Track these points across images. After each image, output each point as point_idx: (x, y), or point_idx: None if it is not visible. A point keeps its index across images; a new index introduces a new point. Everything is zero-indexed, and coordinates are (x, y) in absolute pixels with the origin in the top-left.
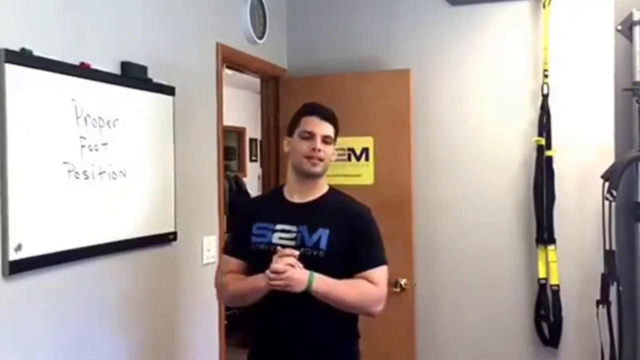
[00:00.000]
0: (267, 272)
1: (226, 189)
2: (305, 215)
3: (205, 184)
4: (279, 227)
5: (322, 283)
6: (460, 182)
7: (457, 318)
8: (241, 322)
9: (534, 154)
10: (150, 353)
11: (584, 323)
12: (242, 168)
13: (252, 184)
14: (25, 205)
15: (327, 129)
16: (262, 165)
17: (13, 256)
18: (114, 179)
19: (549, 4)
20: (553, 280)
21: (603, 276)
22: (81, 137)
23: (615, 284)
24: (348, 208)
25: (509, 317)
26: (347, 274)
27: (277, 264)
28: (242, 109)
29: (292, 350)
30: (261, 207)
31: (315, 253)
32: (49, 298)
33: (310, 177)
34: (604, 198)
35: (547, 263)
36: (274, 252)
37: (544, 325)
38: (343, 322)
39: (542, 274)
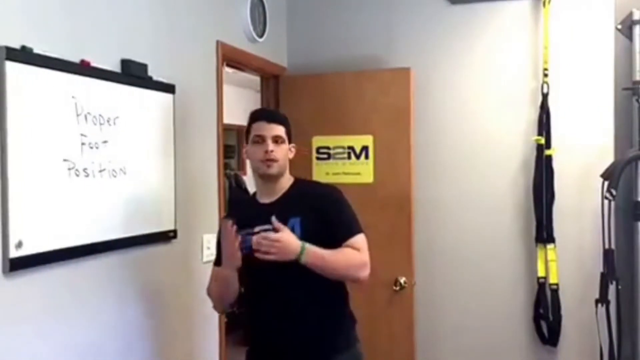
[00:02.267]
0: (255, 238)
1: (226, 187)
2: (277, 211)
3: (205, 182)
4: (257, 229)
5: (314, 254)
6: (460, 181)
7: (456, 316)
8: (241, 321)
9: (534, 153)
10: (150, 351)
11: (583, 322)
12: (241, 166)
13: (252, 182)
14: (26, 203)
15: (276, 129)
16: None
17: (14, 253)
18: (114, 176)
19: (549, 3)
20: (552, 279)
21: (602, 275)
22: (81, 135)
23: (614, 283)
24: (312, 192)
25: (508, 315)
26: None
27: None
28: (242, 107)
29: (288, 345)
30: (239, 214)
31: None
32: (49, 295)
33: (270, 178)
34: (604, 197)
35: (546, 262)
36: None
37: (543, 324)
38: (333, 308)
39: (541, 272)
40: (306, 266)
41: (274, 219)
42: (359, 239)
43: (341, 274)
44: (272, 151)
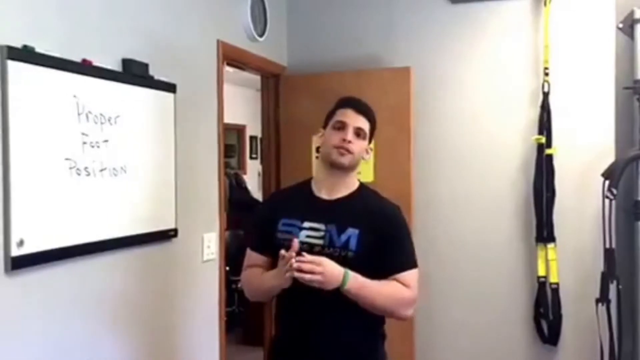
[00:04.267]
0: (293, 264)
1: (226, 186)
2: (334, 214)
3: (205, 181)
4: (306, 224)
5: (355, 282)
6: (460, 180)
7: (456, 315)
8: (241, 319)
9: (534, 152)
10: (151, 349)
11: (583, 321)
12: (242, 165)
13: (252, 181)
14: (28, 201)
15: (361, 121)
16: (262, 163)
17: (15, 252)
18: (115, 175)
19: (549, 2)
20: (552, 279)
21: (603, 274)
22: (82, 134)
23: (614, 282)
24: (378, 207)
25: (508, 314)
26: (376, 276)
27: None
28: (243, 106)
29: (318, 351)
30: (288, 201)
31: (343, 254)
32: (51, 293)
33: (338, 168)
34: (604, 196)
35: (546, 261)
36: (301, 250)
37: (543, 323)
38: (370, 324)
39: (541, 272)
40: (347, 295)
41: (306, 255)
42: (412, 275)
43: (384, 309)
44: (350, 141)
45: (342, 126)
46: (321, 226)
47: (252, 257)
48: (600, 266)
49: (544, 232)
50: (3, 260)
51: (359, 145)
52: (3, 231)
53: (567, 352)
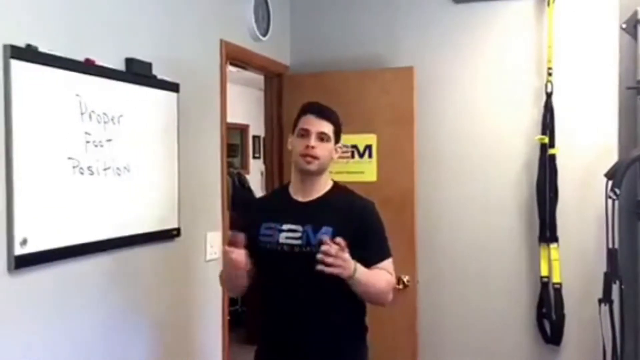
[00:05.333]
0: (320, 255)
1: (229, 185)
2: (309, 214)
3: (208, 180)
4: (285, 227)
5: (363, 271)
6: (463, 180)
7: (459, 315)
8: (244, 319)
9: (537, 152)
10: (153, 348)
11: (586, 321)
12: (245, 165)
13: (255, 180)
14: (31, 200)
15: (323, 126)
16: (265, 162)
17: (18, 251)
18: (118, 174)
19: (553, 2)
20: (555, 279)
21: (605, 274)
22: (86, 133)
23: (617, 282)
24: (351, 204)
25: (511, 314)
26: None
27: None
28: (246, 106)
29: (301, 349)
30: (268, 206)
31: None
32: (54, 293)
33: (308, 174)
34: (607, 196)
35: (549, 261)
36: (281, 251)
37: (546, 323)
38: (353, 317)
39: (544, 272)
40: (355, 281)
41: (339, 239)
42: (389, 263)
43: (379, 294)
44: (313, 147)
45: (305, 133)
46: (298, 227)
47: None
48: (603, 266)
49: (547, 232)
50: (6, 259)
51: (324, 149)
52: (6, 230)
53: (570, 352)
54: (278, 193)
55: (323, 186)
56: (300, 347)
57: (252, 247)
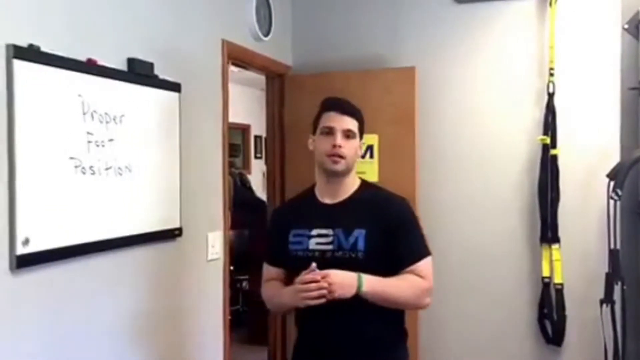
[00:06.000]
0: (297, 285)
1: (231, 185)
2: (340, 217)
3: (210, 180)
4: (315, 232)
5: (372, 283)
6: (464, 180)
7: (460, 315)
8: (246, 319)
9: (539, 153)
10: (154, 347)
11: (588, 322)
12: (246, 165)
13: (257, 180)
14: (33, 200)
15: (348, 122)
16: (266, 163)
17: (20, 250)
18: (120, 174)
19: (555, 2)
20: (557, 279)
21: (607, 275)
22: (88, 133)
23: (619, 283)
24: (382, 202)
25: (513, 315)
26: (390, 272)
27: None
28: (247, 106)
29: (340, 353)
30: (295, 212)
31: (353, 255)
32: (56, 292)
33: (335, 175)
34: (609, 197)
35: (551, 262)
36: (313, 257)
37: (547, 324)
38: (391, 321)
39: (545, 272)
40: (366, 297)
41: (313, 265)
42: (426, 264)
43: (404, 304)
44: (340, 146)
45: (330, 131)
46: (329, 231)
47: (269, 270)
48: (604, 267)
49: (549, 233)
50: (8, 258)
51: (350, 147)
52: (8, 230)
53: (571, 353)
54: (304, 197)
55: (351, 186)
56: (340, 348)
57: (283, 256)
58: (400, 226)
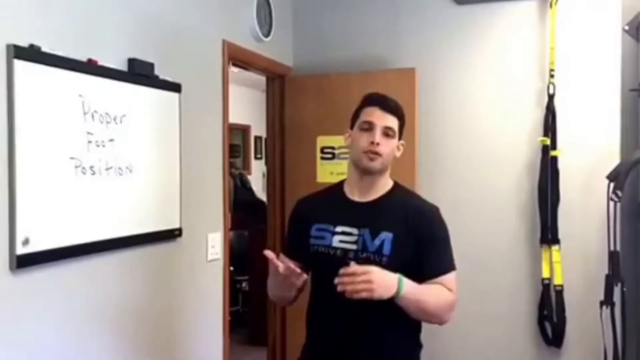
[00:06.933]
0: (337, 279)
1: (231, 186)
2: (367, 217)
3: (210, 181)
4: (339, 229)
5: (410, 288)
6: (464, 181)
7: (460, 317)
8: (246, 319)
9: (539, 154)
10: (154, 348)
11: (588, 324)
12: (246, 165)
13: (257, 181)
14: (33, 200)
15: (389, 120)
16: (266, 163)
17: (20, 250)
18: (120, 174)
19: (555, 3)
20: (557, 281)
21: (607, 277)
22: (88, 133)
23: (619, 285)
24: (413, 208)
25: (512, 316)
26: (413, 280)
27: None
28: (248, 106)
29: None
30: (320, 205)
31: (377, 259)
32: (56, 292)
33: (369, 173)
34: (609, 199)
35: (551, 263)
36: (334, 255)
37: (547, 326)
38: (408, 333)
39: (545, 274)
40: (401, 302)
41: (353, 264)
42: (451, 278)
43: (433, 314)
44: (378, 143)
45: (369, 127)
46: (354, 230)
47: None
48: (604, 268)
49: (549, 234)
50: (8, 258)
51: (388, 146)
52: (8, 230)
53: (571, 355)
54: (331, 192)
55: (383, 186)
56: (346, 356)
57: (302, 249)
58: (431, 236)
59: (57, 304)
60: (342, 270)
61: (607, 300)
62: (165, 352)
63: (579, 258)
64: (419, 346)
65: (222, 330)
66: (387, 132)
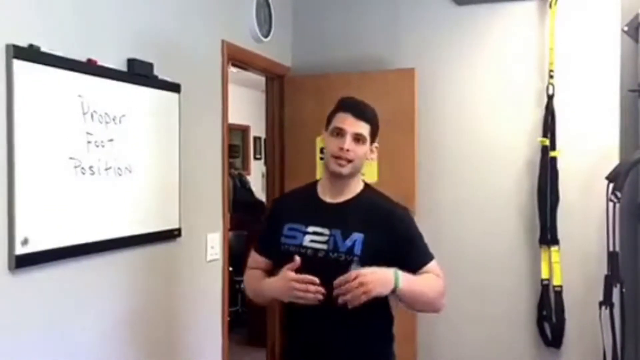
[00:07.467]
0: (336, 292)
1: (230, 186)
2: (338, 218)
3: (209, 181)
4: (310, 229)
5: (407, 280)
6: (464, 181)
7: (459, 317)
8: (245, 320)
9: (539, 155)
10: (154, 348)
11: (587, 324)
12: (246, 166)
13: (256, 181)
14: (32, 200)
15: (360, 127)
16: (266, 164)
17: (19, 250)
18: (120, 174)
19: (555, 4)
20: (556, 281)
21: (606, 277)
22: (87, 133)
23: (618, 285)
24: (383, 209)
25: (512, 317)
26: None
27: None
28: (247, 107)
29: (324, 358)
30: (293, 205)
31: (349, 259)
32: (55, 292)
33: (339, 177)
34: (609, 199)
35: (550, 264)
36: (304, 254)
37: (547, 326)
38: (381, 329)
39: (545, 274)
40: (400, 294)
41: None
42: (435, 265)
43: (428, 303)
44: (348, 150)
45: (340, 132)
46: (325, 230)
47: (255, 259)
48: (603, 269)
49: (548, 235)
50: (7, 258)
51: (359, 151)
52: (7, 230)
53: (570, 355)
54: (305, 192)
55: (354, 188)
56: (322, 354)
57: (273, 248)
58: (410, 238)
59: (56, 304)
60: (335, 282)
61: (606, 301)
62: (165, 352)
63: (579, 258)
64: (392, 339)
65: (222, 331)
66: (357, 138)
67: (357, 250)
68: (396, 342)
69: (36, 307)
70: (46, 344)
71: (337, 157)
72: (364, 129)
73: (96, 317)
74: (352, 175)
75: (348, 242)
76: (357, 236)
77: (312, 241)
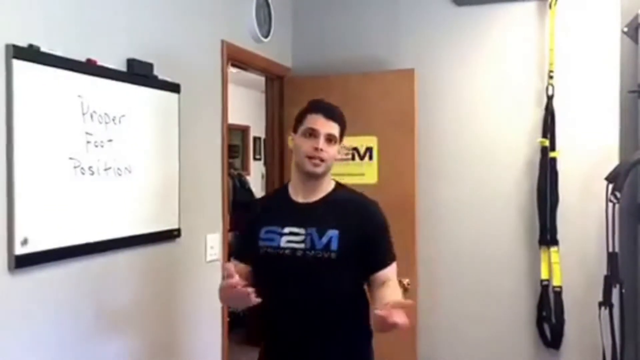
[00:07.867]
0: (382, 313)
1: (230, 187)
2: (313, 217)
3: (209, 181)
4: (286, 230)
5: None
6: (464, 182)
7: (459, 318)
8: (244, 320)
9: (538, 155)
10: (153, 349)
11: (586, 325)
12: (245, 166)
13: (256, 182)
14: (32, 200)
15: (332, 127)
16: (265, 164)
17: (19, 250)
18: (119, 175)
19: (555, 4)
20: (555, 282)
21: (606, 278)
22: (87, 133)
23: (617, 286)
24: (357, 206)
25: (511, 317)
26: (359, 273)
27: None
28: (247, 107)
29: (304, 355)
30: (268, 209)
31: (326, 255)
32: (55, 292)
33: (313, 177)
34: (608, 200)
35: (549, 264)
36: (282, 255)
37: (546, 327)
38: (358, 320)
39: (544, 275)
40: None
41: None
42: (393, 269)
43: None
44: (322, 150)
45: (312, 133)
46: (301, 230)
47: (234, 265)
48: (603, 270)
49: (548, 235)
50: (7, 258)
51: (331, 151)
52: (7, 230)
53: (570, 356)
54: (277, 195)
55: (326, 187)
56: (303, 352)
57: (251, 253)
58: (376, 232)
59: (55, 304)
60: (388, 311)
61: (606, 302)
62: (164, 352)
63: (578, 259)
64: (370, 334)
65: (221, 331)
66: (329, 139)
67: (334, 246)
68: (392, 346)
69: (36, 307)
70: (47, 344)
71: (312, 157)
72: (334, 129)
73: (95, 317)
74: (324, 174)
75: (324, 239)
76: (333, 233)
77: (289, 242)
